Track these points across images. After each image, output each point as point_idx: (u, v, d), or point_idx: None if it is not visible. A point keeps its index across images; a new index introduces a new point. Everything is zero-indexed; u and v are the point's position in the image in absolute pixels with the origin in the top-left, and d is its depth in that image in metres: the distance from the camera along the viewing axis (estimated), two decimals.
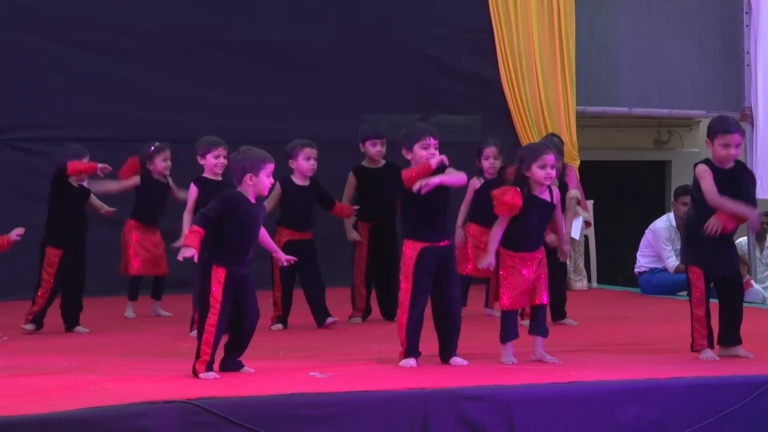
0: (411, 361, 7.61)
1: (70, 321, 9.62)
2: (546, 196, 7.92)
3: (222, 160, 9.44)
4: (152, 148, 10.38)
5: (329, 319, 9.73)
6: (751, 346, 8.41)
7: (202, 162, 9.49)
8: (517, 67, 13.56)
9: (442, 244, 7.75)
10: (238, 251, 7.36)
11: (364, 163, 10.19)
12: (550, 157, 7.90)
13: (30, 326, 9.49)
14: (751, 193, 8.22)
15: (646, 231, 13.02)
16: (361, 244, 10.19)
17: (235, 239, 7.35)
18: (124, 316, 10.54)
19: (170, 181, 10.51)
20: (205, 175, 9.47)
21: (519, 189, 7.81)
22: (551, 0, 13.62)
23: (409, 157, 7.76)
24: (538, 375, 7.38)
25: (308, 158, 9.66)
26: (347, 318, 10.22)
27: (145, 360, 7.97)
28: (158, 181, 10.45)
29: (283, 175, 9.52)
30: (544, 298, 7.92)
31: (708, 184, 7.94)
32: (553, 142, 9.48)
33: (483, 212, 9.97)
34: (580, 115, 13.69)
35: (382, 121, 10.44)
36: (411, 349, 7.65)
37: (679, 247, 12.21)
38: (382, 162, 10.06)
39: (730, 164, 8.06)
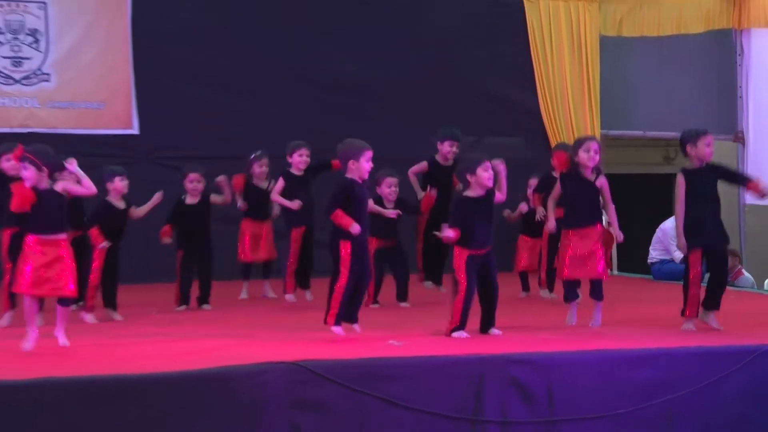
0: (463, 333, 7.63)
1: (202, 299, 9.78)
2: (590, 175, 8.07)
3: (305, 158, 9.69)
4: (253, 156, 10.34)
5: None
6: (742, 322, 8.46)
7: (290, 160, 9.69)
8: (553, 98, 13.58)
9: (483, 252, 7.70)
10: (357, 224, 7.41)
11: (437, 158, 10.06)
12: (593, 144, 8.08)
13: (181, 307, 9.63)
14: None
15: (657, 230, 13.01)
16: (419, 230, 10.07)
17: (353, 215, 7.40)
18: (239, 297, 10.58)
19: (270, 184, 10.29)
20: (290, 170, 9.68)
21: (568, 167, 8.11)
22: (580, 43, 13.64)
23: (473, 180, 7.67)
24: (570, 343, 7.42)
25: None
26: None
27: (261, 330, 8.05)
28: (257, 186, 10.32)
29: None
30: (598, 272, 8.04)
31: (680, 196, 8.12)
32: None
33: (531, 227, 10.30)
34: (603, 137, 13.66)
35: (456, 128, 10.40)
36: (462, 324, 7.66)
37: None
38: (451, 162, 9.92)
39: (706, 162, 8.14)
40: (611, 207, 8.28)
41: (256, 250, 10.50)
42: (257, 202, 10.37)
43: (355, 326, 7.59)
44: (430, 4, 13.27)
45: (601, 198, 8.26)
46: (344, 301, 7.43)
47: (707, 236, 8.14)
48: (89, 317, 8.71)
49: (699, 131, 8.21)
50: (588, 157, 8.06)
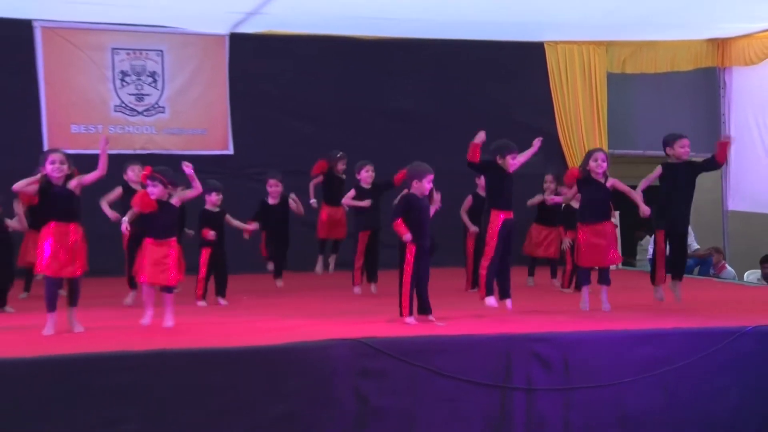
0: (492, 300, 7.57)
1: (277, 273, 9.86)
2: (600, 179, 7.99)
3: (370, 173, 9.56)
4: (338, 154, 10.29)
5: None
6: (726, 308, 8.31)
7: (358, 176, 9.59)
8: (568, 123, 13.47)
9: (510, 214, 7.72)
10: (419, 231, 7.38)
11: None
12: (600, 154, 8.08)
13: (270, 266, 9.80)
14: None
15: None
16: (468, 252, 9.92)
17: (415, 223, 7.39)
18: (315, 271, 10.35)
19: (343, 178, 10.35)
20: (360, 184, 9.56)
21: (582, 175, 8.07)
22: (591, 79, 13.53)
23: (501, 161, 7.74)
24: (583, 324, 7.36)
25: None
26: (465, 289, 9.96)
27: (330, 313, 8.04)
28: (338, 177, 10.28)
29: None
30: (607, 261, 7.94)
31: (648, 177, 8.28)
32: None
33: (544, 217, 10.07)
34: (610, 155, 13.46)
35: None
36: (489, 289, 7.59)
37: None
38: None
39: (685, 159, 8.20)
40: (632, 193, 8.17)
41: (332, 229, 10.30)
42: (335, 190, 10.20)
43: (430, 317, 7.47)
44: (469, 49, 13.16)
45: (613, 195, 8.19)
46: (411, 295, 7.36)
47: (670, 221, 8.22)
48: (201, 303, 8.78)
49: (677, 135, 8.34)
50: (596, 165, 8.02)
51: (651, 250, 12.46)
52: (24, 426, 5.75)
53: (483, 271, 7.65)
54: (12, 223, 8.52)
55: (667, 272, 8.38)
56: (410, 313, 7.34)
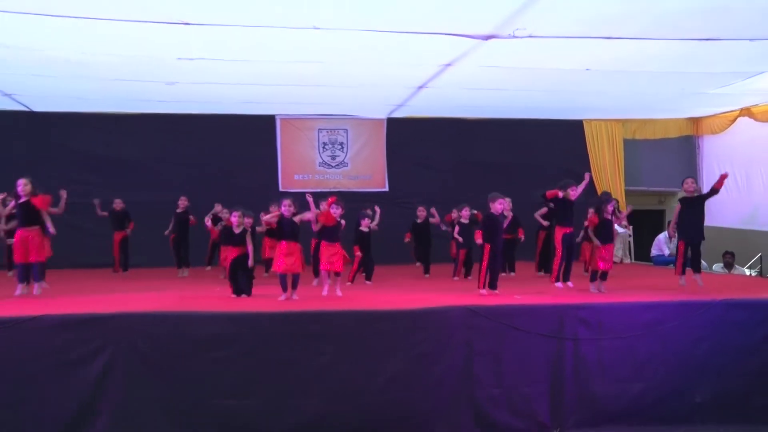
0: (560, 284, 7.36)
1: (425, 270, 9.60)
2: (609, 217, 7.71)
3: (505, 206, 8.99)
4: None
5: None
6: (701, 288, 7.86)
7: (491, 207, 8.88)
8: (599, 170, 13.02)
9: (571, 229, 7.47)
10: (494, 237, 7.32)
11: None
12: (609, 206, 7.73)
13: (427, 275, 9.42)
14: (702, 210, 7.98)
15: (655, 239, 12.30)
16: (539, 239, 9.65)
17: (492, 232, 7.29)
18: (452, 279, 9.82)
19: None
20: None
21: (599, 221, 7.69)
22: (613, 143, 13.07)
23: (562, 193, 7.57)
24: (609, 298, 7.12)
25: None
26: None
27: (450, 290, 7.93)
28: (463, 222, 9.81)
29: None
30: (608, 267, 7.62)
31: (675, 213, 7.89)
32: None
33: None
34: (626, 190, 13.16)
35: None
36: (557, 278, 7.39)
37: (670, 245, 11.67)
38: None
39: (692, 194, 7.85)
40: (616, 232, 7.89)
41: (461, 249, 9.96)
42: (465, 233, 9.68)
43: (496, 292, 7.40)
44: (534, 125, 12.77)
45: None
46: (486, 277, 7.31)
47: (688, 234, 7.85)
48: (347, 284, 8.83)
49: (684, 179, 8.02)
50: (607, 212, 7.71)
51: (662, 249, 11.97)
52: (266, 353, 5.97)
53: (555, 266, 7.44)
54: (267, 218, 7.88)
55: (687, 266, 7.95)
56: (483, 287, 7.28)
